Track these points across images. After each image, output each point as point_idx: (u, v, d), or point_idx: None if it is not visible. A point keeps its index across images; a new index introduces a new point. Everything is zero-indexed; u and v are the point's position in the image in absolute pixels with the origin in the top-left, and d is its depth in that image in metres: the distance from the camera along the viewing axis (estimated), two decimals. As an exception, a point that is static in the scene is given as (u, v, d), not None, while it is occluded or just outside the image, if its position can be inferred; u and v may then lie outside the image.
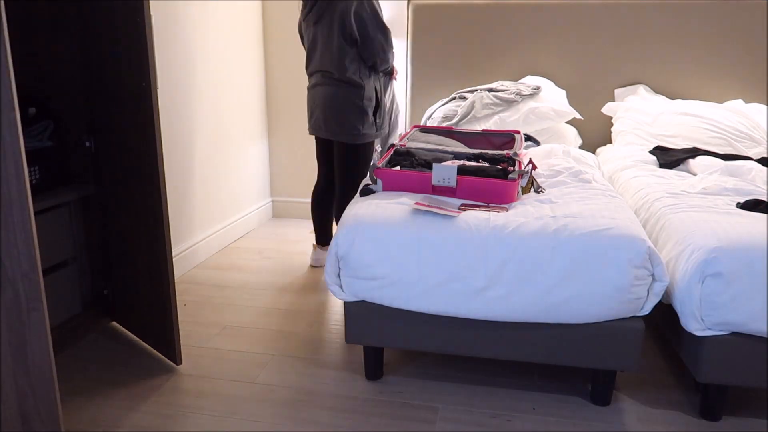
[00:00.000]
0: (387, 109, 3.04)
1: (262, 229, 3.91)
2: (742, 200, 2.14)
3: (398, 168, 2.29)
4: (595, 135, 3.52)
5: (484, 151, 2.49)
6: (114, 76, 2.11)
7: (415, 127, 2.84)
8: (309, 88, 3.01)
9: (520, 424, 1.91)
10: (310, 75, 3.00)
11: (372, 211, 2.00)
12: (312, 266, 3.23)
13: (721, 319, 1.78)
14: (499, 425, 1.91)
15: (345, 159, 2.94)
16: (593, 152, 3.40)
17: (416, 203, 1.98)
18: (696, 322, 1.80)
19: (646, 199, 2.33)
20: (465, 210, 1.99)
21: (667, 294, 1.92)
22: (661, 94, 3.41)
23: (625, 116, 3.25)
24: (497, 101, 3.16)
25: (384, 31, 2.83)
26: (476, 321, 1.95)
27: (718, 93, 3.38)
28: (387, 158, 2.36)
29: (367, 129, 2.89)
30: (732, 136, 2.97)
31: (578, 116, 3.18)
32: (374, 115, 2.92)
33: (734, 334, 1.80)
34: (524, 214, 1.96)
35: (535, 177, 2.36)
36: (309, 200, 4.07)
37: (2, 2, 1.20)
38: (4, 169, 1.28)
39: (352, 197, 2.88)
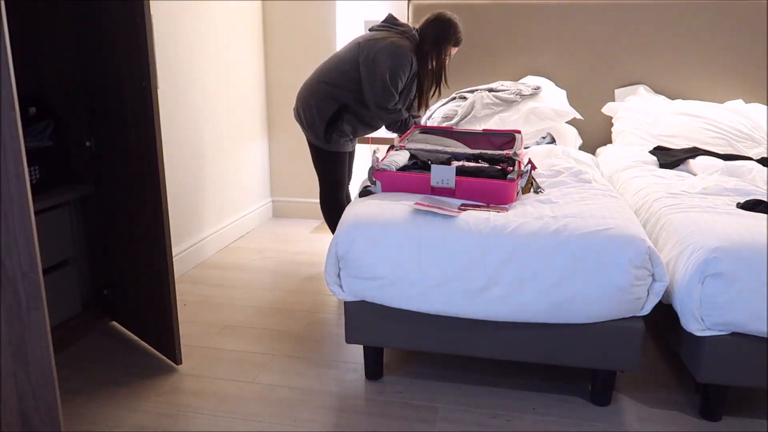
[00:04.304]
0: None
1: (262, 229, 3.91)
2: (742, 200, 2.14)
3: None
4: (595, 135, 3.51)
5: (483, 151, 2.49)
6: (114, 76, 2.11)
7: (415, 127, 2.84)
8: None
9: (520, 424, 1.91)
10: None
11: (372, 211, 1.99)
12: None
13: (721, 319, 1.78)
14: (499, 425, 1.91)
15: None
16: (593, 152, 3.40)
17: (416, 203, 1.98)
18: (696, 322, 1.80)
19: (646, 200, 2.33)
20: (465, 210, 1.99)
21: (667, 294, 1.92)
22: (661, 94, 3.41)
23: (626, 116, 3.25)
24: (497, 101, 3.16)
25: (382, 94, 2.59)
26: (476, 321, 1.95)
27: (718, 93, 3.37)
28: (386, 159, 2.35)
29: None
30: (732, 137, 2.96)
31: (578, 116, 3.17)
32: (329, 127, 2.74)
33: (734, 334, 1.80)
34: (524, 214, 1.96)
35: (534, 177, 2.36)
36: (309, 200, 4.09)
37: (2, 2, 1.20)
38: (4, 169, 1.28)
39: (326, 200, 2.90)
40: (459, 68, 3.61)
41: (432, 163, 2.26)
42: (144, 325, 2.33)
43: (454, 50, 2.72)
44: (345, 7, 3.78)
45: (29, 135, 2.28)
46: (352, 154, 2.99)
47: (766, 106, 3.16)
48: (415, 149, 2.43)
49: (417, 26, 2.72)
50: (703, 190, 2.29)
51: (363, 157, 3.78)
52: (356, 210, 2.03)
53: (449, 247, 1.88)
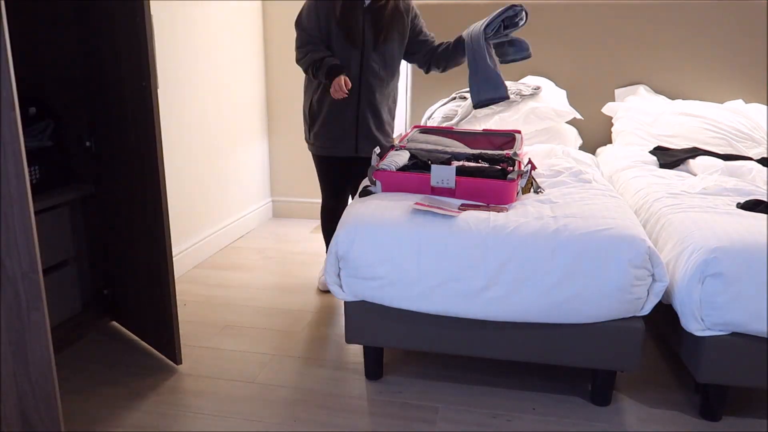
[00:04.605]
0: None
1: (262, 229, 3.91)
2: (742, 200, 2.14)
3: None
4: (595, 135, 3.52)
5: (483, 151, 2.49)
6: (114, 76, 2.11)
7: (415, 127, 2.84)
8: None
9: (520, 424, 1.91)
10: None
11: (372, 211, 2.00)
12: None
13: (721, 319, 1.78)
14: (499, 425, 1.91)
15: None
16: (593, 152, 3.40)
17: (416, 203, 1.98)
18: (696, 322, 1.80)
19: (646, 200, 2.33)
20: (465, 210, 1.99)
21: (667, 294, 1.92)
22: (661, 94, 3.41)
23: (626, 116, 3.25)
24: (497, 101, 3.16)
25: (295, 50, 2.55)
26: (476, 321, 1.95)
27: (718, 93, 3.38)
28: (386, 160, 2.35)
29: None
30: (732, 137, 2.97)
31: (578, 116, 3.18)
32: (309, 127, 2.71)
33: (734, 334, 1.80)
34: (524, 214, 1.96)
35: (534, 177, 2.36)
36: (309, 200, 4.09)
37: (2, 2, 1.20)
38: (4, 169, 1.28)
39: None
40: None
41: (432, 163, 2.26)
42: (144, 325, 2.33)
43: None
44: (345, 7, 3.78)
45: (29, 135, 2.28)
46: (353, 161, 2.67)
47: (766, 106, 3.16)
48: (415, 149, 2.44)
49: None
50: (703, 190, 2.29)
51: (363, 157, 3.78)
52: (356, 210, 2.03)
53: (449, 247, 1.88)
